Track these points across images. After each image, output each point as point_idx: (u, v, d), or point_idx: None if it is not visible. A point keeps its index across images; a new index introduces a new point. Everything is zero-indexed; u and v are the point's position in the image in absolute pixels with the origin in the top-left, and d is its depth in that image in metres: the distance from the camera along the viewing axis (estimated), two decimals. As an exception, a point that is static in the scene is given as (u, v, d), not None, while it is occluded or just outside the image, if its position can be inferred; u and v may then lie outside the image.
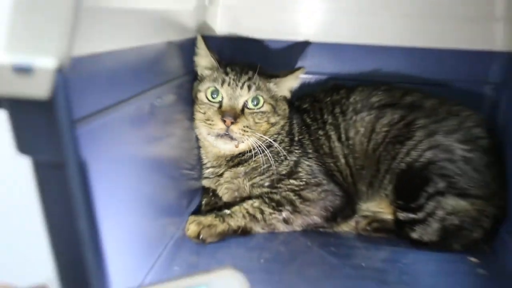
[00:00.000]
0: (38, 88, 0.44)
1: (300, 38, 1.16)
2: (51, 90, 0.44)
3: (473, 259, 1.00)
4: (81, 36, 0.51)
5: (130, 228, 0.73)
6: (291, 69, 1.05)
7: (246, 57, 1.12)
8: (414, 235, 1.03)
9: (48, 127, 0.46)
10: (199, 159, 1.08)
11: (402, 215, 1.04)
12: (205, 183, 1.08)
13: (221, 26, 1.15)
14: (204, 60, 1.04)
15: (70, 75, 0.46)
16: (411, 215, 1.03)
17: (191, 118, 1.03)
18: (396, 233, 1.06)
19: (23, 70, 0.43)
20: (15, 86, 0.43)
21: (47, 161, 0.48)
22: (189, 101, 1.03)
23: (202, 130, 1.02)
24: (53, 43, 0.44)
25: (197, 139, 1.06)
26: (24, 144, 0.48)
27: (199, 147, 1.07)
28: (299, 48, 1.16)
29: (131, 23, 0.73)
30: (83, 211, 0.49)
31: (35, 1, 0.46)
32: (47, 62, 0.44)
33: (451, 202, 1.02)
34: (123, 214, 0.69)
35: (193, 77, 1.06)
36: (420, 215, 1.03)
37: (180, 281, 0.49)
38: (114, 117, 0.66)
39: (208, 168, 1.07)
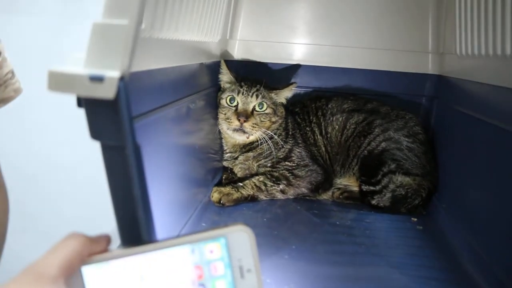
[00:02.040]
0: (107, 91, 0.40)
1: (293, 62, 1.13)
2: (115, 93, 0.40)
3: (414, 218, 0.98)
4: (138, 57, 0.49)
5: (171, 194, 0.70)
6: (287, 84, 1.02)
7: (255, 75, 1.07)
8: (373, 202, 1.00)
9: (113, 120, 0.43)
10: (221, 146, 1.04)
11: (365, 188, 1.02)
12: (225, 163, 1.05)
13: (238, 53, 1.12)
14: (225, 77, 1.01)
15: (129, 83, 0.43)
16: (371, 188, 1.00)
17: (215, 118, 1.00)
18: (360, 200, 1.03)
19: (97, 79, 0.40)
20: (91, 90, 0.40)
21: (112, 145, 0.45)
22: (214, 105, 1.00)
23: (223, 126, 0.99)
24: (117, 61, 0.42)
25: (220, 133, 1.02)
26: (96, 132, 0.45)
27: (220, 138, 1.04)
28: (292, 69, 1.12)
29: (175, 49, 0.70)
30: (137, 181, 0.45)
31: (105, 32, 0.43)
32: (113, 73, 0.40)
33: (399, 178, 1.00)
34: (166, 184, 0.66)
35: (218, 89, 1.02)
36: (377, 187, 1.00)
37: (204, 233, 0.45)
38: (161, 115, 0.63)
39: (227, 153, 1.04)
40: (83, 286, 0.42)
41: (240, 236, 0.45)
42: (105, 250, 0.44)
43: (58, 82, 0.42)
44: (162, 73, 0.64)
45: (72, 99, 0.44)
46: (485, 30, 0.80)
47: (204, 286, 0.44)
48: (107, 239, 0.45)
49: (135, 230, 0.47)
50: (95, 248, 0.43)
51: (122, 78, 0.42)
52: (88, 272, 0.42)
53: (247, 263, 0.45)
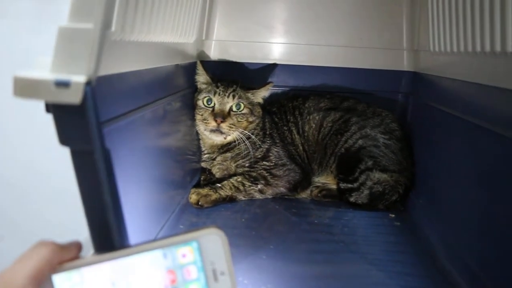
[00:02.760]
0: (73, 97, 0.40)
1: (270, 61, 1.12)
2: (82, 98, 0.40)
3: (391, 214, 0.99)
4: (107, 60, 0.49)
5: (146, 198, 0.70)
6: (263, 83, 1.02)
7: (232, 75, 1.07)
8: (351, 199, 1.00)
9: (80, 125, 0.42)
10: (199, 147, 1.03)
11: (342, 185, 1.02)
12: (203, 164, 1.04)
13: (214, 53, 1.11)
14: (201, 77, 1.00)
15: (97, 87, 0.42)
16: (349, 185, 1.01)
17: (193, 119, 0.99)
18: (338, 198, 1.03)
19: (63, 84, 0.40)
20: (57, 95, 0.40)
21: (80, 150, 0.44)
22: (191, 106, 0.99)
23: (200, 127, 0.99)
24: (83, 66, 0.41)
25: (197, 134, 1.02)
26: (64, 137, 0.44)
27: (198, 139, 1.03)
28: (269, 68, 1.12)
29: (148, 51, 0.70)
30: (107, 187, 0.45)
31: (70, 36, 0.43)
32: (79, 78, 0.40)
33: (377, 175, 1.00)
34: (141, 188, 0.66)
35: (194, 90, 1.02)
36: (355, 185, 1.00)
37: (176, 237, 0.45)
38: (135, 118, 0.62)
39: (205, 154, 1.03)
40: None
41: (212, 239, 0.44)
42: (76, 257, 0.43)
43: (24, 87, 0.42)
44: (134, 75, 0.63)
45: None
46: (457, 28, 0.81)
47: None
48: (78, 246, 0.44)
49: (107, 236, 0.46)
50: (65, 256, 0.42)
51: (88, 83, 0.41)
52: (59, 280, 0.42)
53: (220, 266, 0.44)
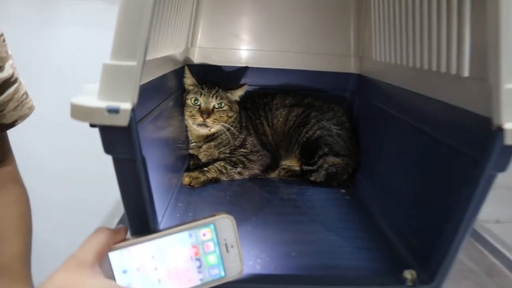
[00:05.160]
0: (122, 120, 0.45)
1: (243, 64, 1.15)
2: (128, 121, 0.45)
3: (343, 190, 1.04)
4: None
5: (159, 184, 0.74)
6: (239, 85, 1.06)
7: (213, 76, 1.10)
8: (312, 178, 1.05)
9: (125, 140, 0.47)
10: (187, 137, 1.07)
11: (305, 167, 1.06)
12: (191, 151, 1.06)
13: (197, 59, 1.13)
14: (189, 80, 1.03)
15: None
16: (310, 167, 1.05)
17: (183, 114, 1.02)
18: (301, 178, 1.08)
19: (113, 111, 0.45)
20: (109, 120, 0.45)
21: (124, 158, 0.49)
22: (181, 104, 1.02)
23: (189, 121, 1.02)
24: (129, 95, 0.46)
25: (186, 126, 1.05)
26: (110, 148, 0.49)
27: (186, 131, 1.06)
28: (242, 70, 1.15)
29: (156, 65, 0.73)
30: (145, 185, 0.51)
31: (115, 71, 0.47)
32: (126, 105, 0.45)
33: (331, 159, 1.05)
34: (156, 177, 0.70)
35: (183, 90, 1.05)
36: (315, 167, 1.05)
37: (198, 221, 0.52)
38: (147, 121, 0.66)
39: (192, 143, 1.06)
40: (111, 267, 0.48)
41: (224, 222, 0.52)
42: (124, 239, 0.50)
43: (80, 113, 0.46)
44: (148, 85, 0.67)
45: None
46: (391, 43, 0.89)
47: (199, 260, 0.51)
48: (125, 230, 0.51)
49: (144, 223, 0.53)
50: (117, 238, 0.49)
51: (132, 110, 0.46)
52: (114, 256, 0.48)
53: (230, 241, 0.52)
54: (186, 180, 0.97)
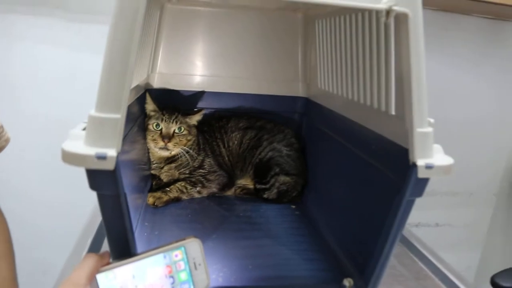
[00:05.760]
0: (109, 165, 0.53)
1: (199, 89, 1.22)
2: (114, 166, 0.54)
3: (293, 206, 1.13)
4: None
5: (130, 206, 0.81)
6: (197, 110, 1.13)
7: (172, 100, 1.17)
8: (265, 196, 1.14)
9: (111, 180, 0.55)
10: (149, 159, 1.13)
11: (258, 186, 1.16)
12: (153, 172, 1.13)
13: (157, 83, 1.19)
14: (150, 106, 1.09)
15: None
16: (263, 186, 1.15)
17: (145, 138, 1.09)
18: (255, 195, 1.17)
19: (102, 157, 0.53)
20: (98, 164, 0.53)
21: (108, 194, 0.57)
22: (143, 129, 1.09)
23: (151, 145, 1.08)
24: (114, 143, 0.54)
25: (148, 149, 1.12)
26: (96, 186, 0.57)
27: (148, 153, 1.13)
28: (199, 94, 1.22)
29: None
30: (127, 216, 0.60)
31: (101, 122, 0.54)
32: (112, 152, 0.53)
33: (282, 178, 1.14)
34: (130, 204, 0.78)
35: (145, 115, 1.11)
36: (267, 186, 1.14)
37: (171, 245, 0.62)
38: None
39: (154, 164, 1.12)
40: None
41: (193, 244, 0.62)
42: (109, 262, 0.59)
43: (72, 158, 0.53)
44: None
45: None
46: (333, 75, 1.00)
47: (173, 277, 0.61)
48: (109, 254, 0.60)
49: (125, 248, 0.61)
50: (103, 262, 0.58)
51: (117, 156, 0.54)
52: (101, 278, 0.57)
53: (198, 260, 0.62)
54: (151, 200, 1.04)
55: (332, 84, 1.02)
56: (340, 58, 0.95)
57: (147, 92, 1.11)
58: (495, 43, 2.09)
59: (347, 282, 0.75)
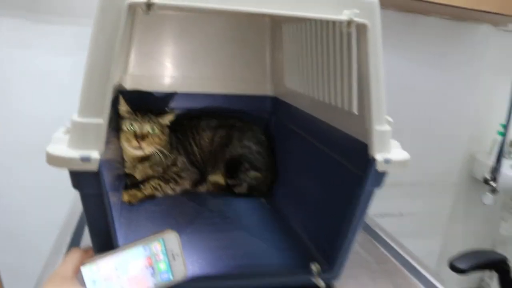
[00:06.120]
0: (93, 166, 0.58)
1: (171, 90, 1.26)
2: (98, 167, 0.59)
3: (263, 199, 1.19)
4: None
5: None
6: (170, 110, 1.16)
7: (144, 102, 1.20)
8: (236, 191, 1.19)
9: (94, 180, 0.60)
10: (123, 158, 1.15)
11: (230, 181, 1.20)
12: (127, 171, 1.16)
13: (130, 85, 1.22)
14: (123, 108, 1.11)
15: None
16: (234, 181, 1.20)
17: (119, 138, 1.11)
18: (227, 190, 1.21)
19: (86, 159, 0.58)
20: (82, 166, 0.57)
21: (91, 193, 0.62)
22: (117, 129, 1.10)
23: (125, 145, 1.11)
24: (97, 146, 0.59)
25: (122, 149, 1.14)
26: (79, 185, 0.61)
27: (122, 153, 1.15)
28: (171, 95, 1.26)
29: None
30: (110, 213, 0.65)
31: (84, 127, 0.59)
32: (95, 154, 0.58)
33: (252, 173, 1.20)
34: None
35: (118, 116, 1.12)
36: (238, 181, 1.19)
37: (150, 238, 0.67)
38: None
39: (128, 163, 1.15)
40: (83, 280, 0.62)
41: (171, 236, 0.67)
42: (92, 255, 0.64)
43: (57, 160, 0.57)
44: None
45: None
46: (299, 76, 1.07)
47: (153, 268, 0.65)
48: (91, 249, 0.65)
49: (108, 242, 0.66)
50: (87, 255, 0.63)
51: (101, 157, 0.59)
52: (85, 270, 0.61)
53: (176, 251, 0.67)
54: (126, 197, 1.08)
55: (299, 84, 1.09)
56: (306, 60, 1.01)
57: (120, 94, 1.13)
58: (452, 43, 2.21)
59: (314, 267, 0.81)
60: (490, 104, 2.44)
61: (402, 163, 0.73)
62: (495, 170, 2.23)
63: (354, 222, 0.78)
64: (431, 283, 0.94)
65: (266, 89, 1.34)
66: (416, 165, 2.29)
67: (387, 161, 0.72)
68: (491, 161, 2.28)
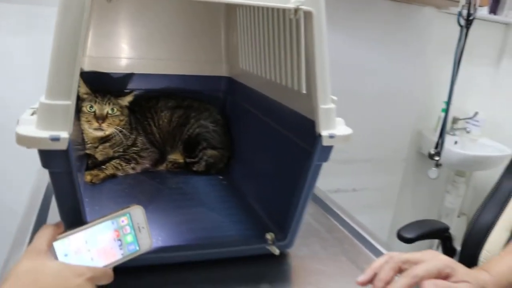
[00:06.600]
0: (62, 145, 0.62)
1: (129, 71, 1.29)
2: (67, 146, 0.64)
3: (220, 177, 1.24)
4: None
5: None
6: (128, 91, 1.20)
7: (103, 83, 1.23)
8: (194, 168, 1.25)
9: (63, 159, 0.64)
10: (83, 139, 1.17)
11: (188, 160, 1.26)
12: (88, 151, 1.18)
13: (88, 67, 1.24)
14: (83, 89, 1.13)
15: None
16: (192, 160, 1.25)
17: (79, 119, 1.13)
18: (185, 168, 1.27)
19: (55, 139, 0.62)
20: (52, 146, 0.61)
21: (60, 171, 0.66)
22: (77, 111, 1.12)
23: (85, 126, 1.13)
24: (66, 126, 0.62)
25: (82, 130, 1.16)
26: (48, 164, 0.65)
27: (83, 133, 1.17)
28: (129, 76, 1.29)
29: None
30: (78, 189, 0.70)
31: (52, 108, 0.62)
32: (65, 134, 0.62)
33: (209, 152, 1.26)
34: None
35: (78, 98, 1.11)
36: (196, 159, 1.25)
37: (118, 212, 0.72)
38: None
39: (88, 144, 1.18)
40: (55, 253, 0.64)
41: (137, 210, 0.73)
42: (63, 231, 0.69)
43: (26, 141, 0.59)
44: None
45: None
46: (253, 57, 1.13)
47: (120, 240, 0.70)
48: (62, 225, 0.70)
49: (77, 218, 0.71)
50: (58, 231, 0.68)
51: (69, 137, 0.63)
52: (57, 245, 0.63)
53: (141, 224, 0.73)
54: (88, 177, 1.11)
55: (253, 65, 1.15)
56: (259, 43, 1.08)
57: (79, 77, 1.15)
58: (398, 25, 2.33)
59: (268, 236, 0.90)
60: (435, 83, 2.59)
61: (345, 138, 0.81)
62: (439, 145, 2.39)
63: (304, 194, 0.86)
64: (379, 250, 1.03)
65: (221, 70, 1.39)
66: (368, 143, 2.43)
67: (332, 136, 0.80)
68: (436, 137, 2.44)
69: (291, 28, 0.87)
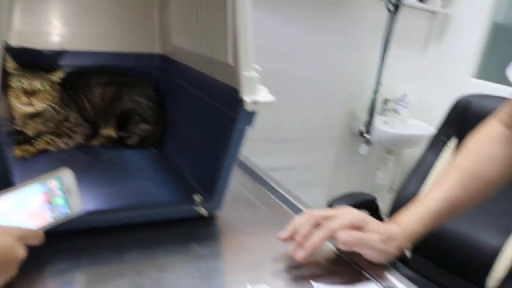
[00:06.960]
0: None
1: (61, 48, 1.28)
2: None
3: (154, 150, 1.28)
4: None
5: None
6: (59, 67, 1.20)
7: (33, 60, 1.21)
8: (128, 142, 1.28)
9: None
10: (12, 116, 1.17)
11: (121, 134, 1.28)
12: (18, 128, 1.17)
13: (17, 42, 1.22)
14: (10, 64, 1.11)
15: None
16: (126, 134, 1.28)
17: (5, 95, 1.12)
18: (119, 143, 1.29)
19: None
20: None
21: None
22: (4, 86, 1.11)
23: (14, 102, 1.13)
24: None
25: (10, 106, 1.15)
26: None
27: (11, 110, 1.16)
28: (60, 53, 1.28)
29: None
30: (3, 151, 0.72)
31: None
32: None
33: (143, 126, 1.29)
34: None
35: (4, 73, 1.11)
36: (129, 134, 1.28)
37: (48, 175, 0.75)
38: None
39: (19, 120, 1.17)
40: None
41: (66, 174, 0.77)
42: None
43: None
44: None
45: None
46: (184, 33, 1.18)
47: (50, 203, 0.73)
48: None
49: (5, 181, 0.74)
50: None
51: None
52: None
53: (72, 187, 0.77)
54: (18, 153, 1.11)
55: (186, 42, 1.20)
56: (191, 18, 1.12)
57: (6, 50, 1.12)
58: (334, 7, 2.44)
59: (196, 197, 0.95)
60: (368, 66, 2.73)
61: (268, 104, 0.88)
62: (369, 124, 2.54)
63: (229, 157, 0.92)
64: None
65: (155, 48, 1.42)
66: (302, 122, 2.54)
67: (255, 102, 0.86)
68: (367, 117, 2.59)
69: (219, 1, 0.92)
